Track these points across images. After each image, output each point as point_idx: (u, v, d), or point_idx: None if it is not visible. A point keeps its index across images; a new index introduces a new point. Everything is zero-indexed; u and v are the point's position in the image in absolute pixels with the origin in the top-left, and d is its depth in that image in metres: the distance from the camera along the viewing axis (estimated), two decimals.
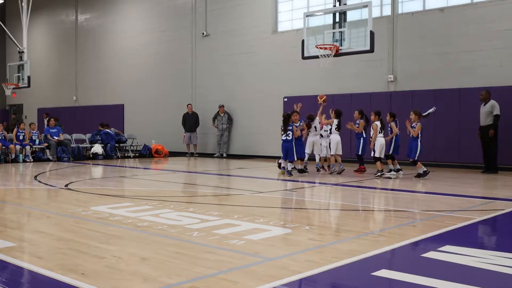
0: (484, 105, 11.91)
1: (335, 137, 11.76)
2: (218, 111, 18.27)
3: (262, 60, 17.58)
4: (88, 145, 18.05)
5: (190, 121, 18.67)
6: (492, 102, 11.78)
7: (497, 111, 11.67)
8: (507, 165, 12.72)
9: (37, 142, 16.80)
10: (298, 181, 10.41)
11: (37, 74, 24.45)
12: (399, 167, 11.28)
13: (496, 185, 9.90)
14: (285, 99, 16.93)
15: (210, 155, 18.69)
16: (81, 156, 17.39)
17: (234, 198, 8.31)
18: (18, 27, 21.13)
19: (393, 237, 5.00)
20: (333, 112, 11.96)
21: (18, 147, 15.91)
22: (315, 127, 12.02)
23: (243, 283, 3.51)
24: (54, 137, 16.69)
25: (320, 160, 12.26)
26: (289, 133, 11.07)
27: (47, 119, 18.18)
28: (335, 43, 11.65)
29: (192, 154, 18.77)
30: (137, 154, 19.06)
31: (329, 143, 11.81)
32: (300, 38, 12.49)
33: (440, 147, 13.70)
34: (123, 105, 22.54)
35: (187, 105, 18.92)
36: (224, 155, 18.31)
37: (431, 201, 7.80)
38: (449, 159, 13.63)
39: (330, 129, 11.91)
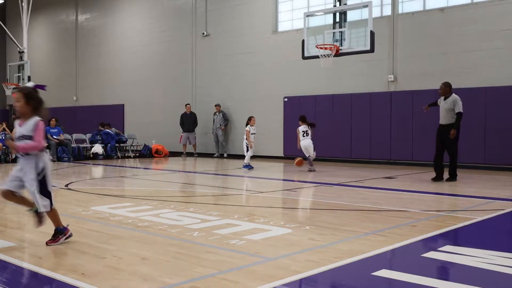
0: (445, 99, 10.26)
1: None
2: (215, 111, 18.31)
3: (262, 60, 17.58)
4: (88, 145, 18.06)
5: (188, 121, 18.67)
6: (454, 97, 10.14)
7: (459, 108, 10.00)
8: (508, 164, 12.73)
9: None
10: (299, 181, 10.41)
11: (37, 74, 24.43)
12: None
13: (496, 185, 9.90)
14: (285, 99, 16.95)
15: (211, 155, 18.70)
16: (81, 156, 17.40)
17: (234, 198, 8.31)
18: (19, 27, 21.14)
19: (393, 237, 5.01)
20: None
21: None
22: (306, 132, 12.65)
23: (243, 283, 3.51)
24: (54, 136, 16.70)
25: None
26: None
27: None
28: (335, 43, 11.64)
29: (190, 155, 18.78)
30: (137, 154, 19.07)
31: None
32: (300, 38, 12.49)
33: None
34: (123, 105, 22.54)
35: (186, 105, 18.92)
36: (225, 155, 18.33)
37: (431, 201, 7.80)
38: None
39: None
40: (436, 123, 10.09)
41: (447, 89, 10.21)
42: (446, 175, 10.28)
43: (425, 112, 11.29)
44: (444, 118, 10.19)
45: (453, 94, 10.16)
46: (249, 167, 12.93)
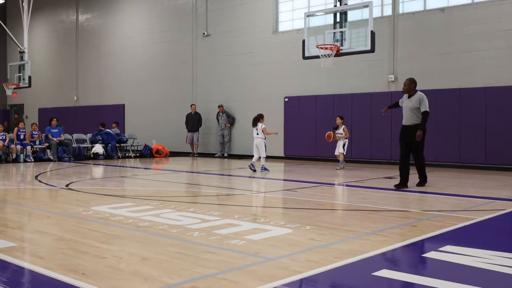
0: (409, 97, 9.18)
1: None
2: (218, 111, 18.35)
3: (263, 60, 17.59)
4: (89, 145, 18.06)
5: (193, 121, 18.72)
6: (419, 94, 9.10)
7: (425, 107, 8.97)
8: (508, 164, 12.73)
9: (37, 142, 16.82)
10: (299, 181, 10.41)
11: (38, 74, 24.46)
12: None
13: (496, 185, 9.90)
14: (286, 99, 16.94)
15: (212, 155, 18.70)
16: (81, 156, 17.40)
17: (235, 198, 8.31)
18: (19, 27, 21.14)
19: (393, 237, 5.01)
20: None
21: (19, 147, 15.93)
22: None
23: (243, 283, 3.51)
24: (55, 137, 16.72)
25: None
26: None
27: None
28: (335, 43, 11.65)
29: (193, 154, 18.88)
30: (137, 154, 19.07)
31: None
32: (301, 38, 12.50)
33: (440, 147, 13.69)
34: (123, 105, 22.55)
35: (191, 105, 18.95)
36: (226, 155, 18.33)
37: (431, 201, 7.80)
38: (449, 159, 13.62)
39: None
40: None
41: (412, 86, 9.16)
42: (418, 180, 9.43)
43: (384, 115, 10.89)
44: (409, 118, 9.10)
45: (418, 92, 9.17)
46: (267, 169, 12.46)
